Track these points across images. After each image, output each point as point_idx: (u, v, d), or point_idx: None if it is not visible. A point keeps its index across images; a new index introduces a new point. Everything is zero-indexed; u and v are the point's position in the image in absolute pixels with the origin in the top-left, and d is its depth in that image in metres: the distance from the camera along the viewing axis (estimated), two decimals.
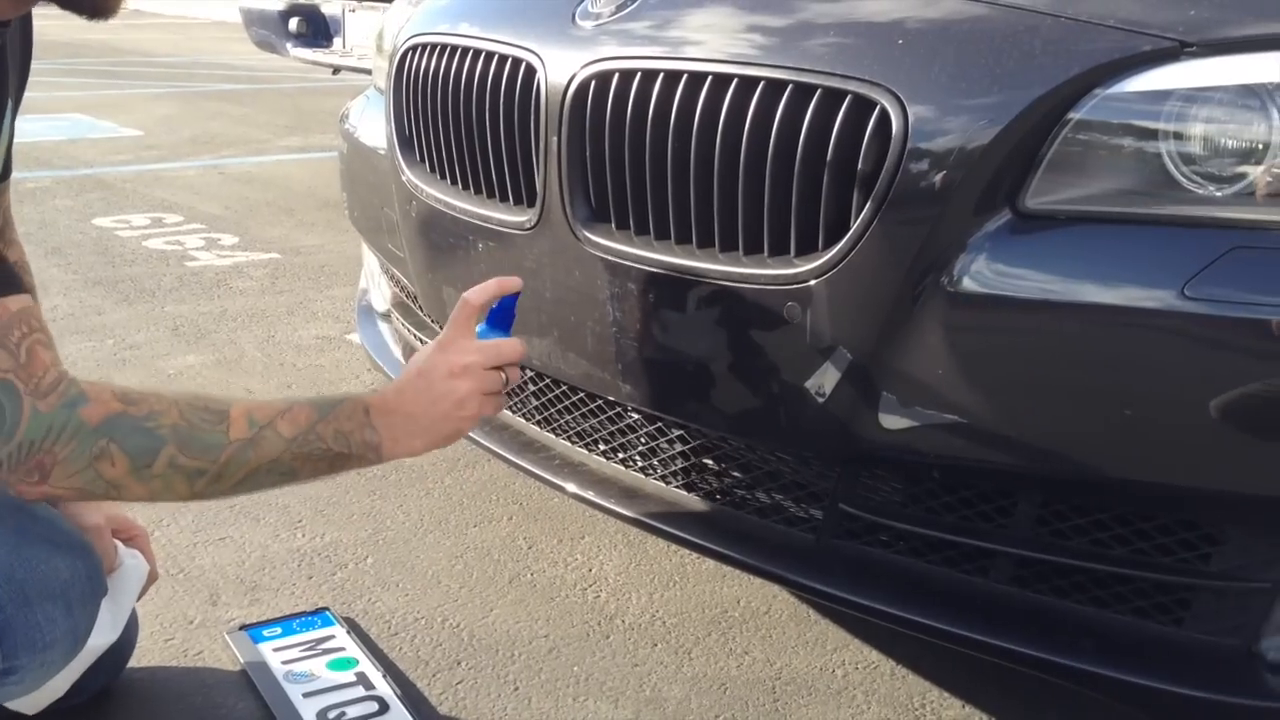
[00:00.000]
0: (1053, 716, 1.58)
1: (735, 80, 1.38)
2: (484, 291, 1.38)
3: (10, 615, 1.20)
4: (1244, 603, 1.24)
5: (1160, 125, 1.22)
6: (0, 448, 1.14)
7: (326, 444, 1.26)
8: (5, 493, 1.23)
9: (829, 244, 1.33)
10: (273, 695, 1.55)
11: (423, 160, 1.87)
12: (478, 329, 1.38)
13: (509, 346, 1.37)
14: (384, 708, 1.52)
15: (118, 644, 1.48)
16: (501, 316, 1.41)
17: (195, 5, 15.79)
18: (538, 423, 1.82)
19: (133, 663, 1.57)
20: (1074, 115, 1.23)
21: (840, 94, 1.31)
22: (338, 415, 1.27)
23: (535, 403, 1.81)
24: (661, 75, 1.44)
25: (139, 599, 1.52)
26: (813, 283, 1.33)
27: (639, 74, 1.46)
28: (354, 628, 1.72)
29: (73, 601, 1.27)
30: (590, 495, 1.67)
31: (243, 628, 1.70)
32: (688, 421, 1.57)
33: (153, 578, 1.55)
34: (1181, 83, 1.21)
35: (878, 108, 1.28)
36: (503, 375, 1.36)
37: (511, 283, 1.40)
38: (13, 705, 1.39)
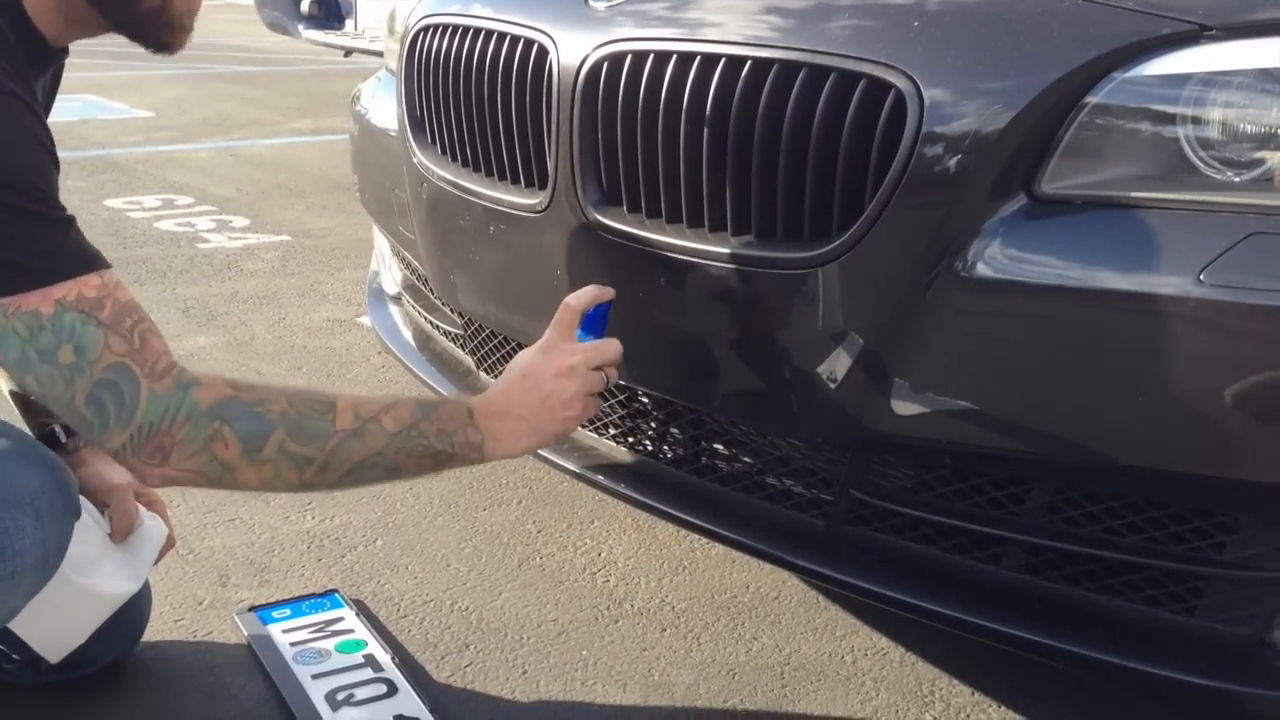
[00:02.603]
0: (1062, 704, 1.58)
1: (749, 62, 1.37)
2: (583, 297, 1.40)
3: None
4: (1257, 592, 1.23)
5: (1178, 109, 1.20)
6: (122, 430, 1.16)
7: (429, 441, 1.27)
8: None
9: (843, 228, 1.32)
10: (281, 676, 1.55)
11: (434, 142, 1.87)
12: (580, 333, 1.41)
13: (610, 347, 1.39)
14: (392, 690, 1.52)
15: (131, 614, 1.50)
16: (596, 321, 1.43)
17: None
18: None
19: (143, 642, 1.58)
20: (1091, 99, 1.21)
21: (855, 76, 1.30)
22: (440, 415, 1.29)
23: None
24: (675, 57, 1.43)
25: (156, 562, 1.55)
26: (826, 267, 1.32)
27: (652, 55, 1.45)
28: (363, 610, 1.72)
29: (43, 511, 1.25)
30: (600, 479, 1.66)
31: (252, 609, 1.70)
32: (698, 406, 1.57)
33: (170, 543, 1.58)
34: (1200, 66, 1.19)
35: (893, 91, 1.27)
36: (604, 375, 1.38)
37: (607, 291, 1.42)
38: (35, 647, 1.40)
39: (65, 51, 1.28)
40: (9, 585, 1.25)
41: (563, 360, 1.35)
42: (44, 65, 1.26)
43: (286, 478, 1.22)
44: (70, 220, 1.17)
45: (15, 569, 1.24)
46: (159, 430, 1.17)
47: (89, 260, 1.17)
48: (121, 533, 1.50)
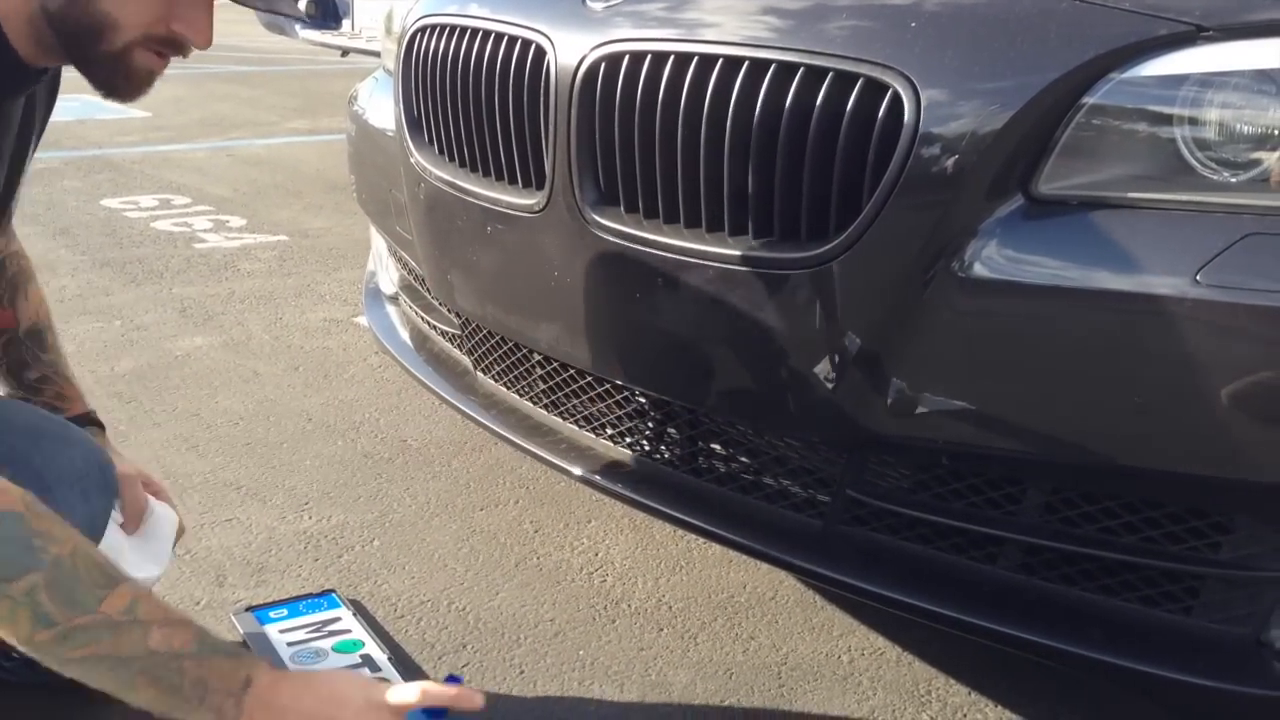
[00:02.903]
0: (1059, 703, 1.58)
1: (746, 63, 1.37)
2: (443, 693, 1.18)
3: None
4: (1253, 592, 1.23)
5: (1175, 110, 1.21)
6: None
7: (181, 682, 1.08)
8: (13, 403, 1.27)
9: (840, 228, 1.32)
10: None
11: (431, 142, 1.87)
12: (412, 712, 1.18)
13: None
14: None
15: None
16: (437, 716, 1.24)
17: None
18: (545, 406, 1.82)
19: None
20: (1088, 100, 1.21)
21: (852, 77, 1.30)
22: (213, 665, 1.09)
23: (542, 386, 1.81)
24: (672, 57, 1.43)
25: (173, 546, 1.56)
26: (823, 267, 1.32)
27: (649, 56, 1.45)
28: (360, 610, 1.72)
29: (89, 489, 1.30)
30: (597, 479, 1.67)
31: (249, 609, 1.70)
32: (695, 406, 1.57)
33: (182, 529, 1.59)
34: (1197, 67, 1.19)
35: (890, 91, 1.27)
36: None
37: (476, 700, 1.19)
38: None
39: (45, 71, 1.24)
40: None
41: (376, 708, 1.13)
42: (20, 85, 1.23)
43: (17, 625, 1.05)
44: None
45: None
46: None
47: None
48: (134, 520, 1.50)
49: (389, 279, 2.33)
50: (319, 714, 1.11)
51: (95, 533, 1.33)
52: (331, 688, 1.14)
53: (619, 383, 1.65)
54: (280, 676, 1.13)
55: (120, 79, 1.19)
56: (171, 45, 1.19)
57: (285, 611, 1.70)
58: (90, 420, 1.55)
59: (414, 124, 1.90)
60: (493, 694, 1.56)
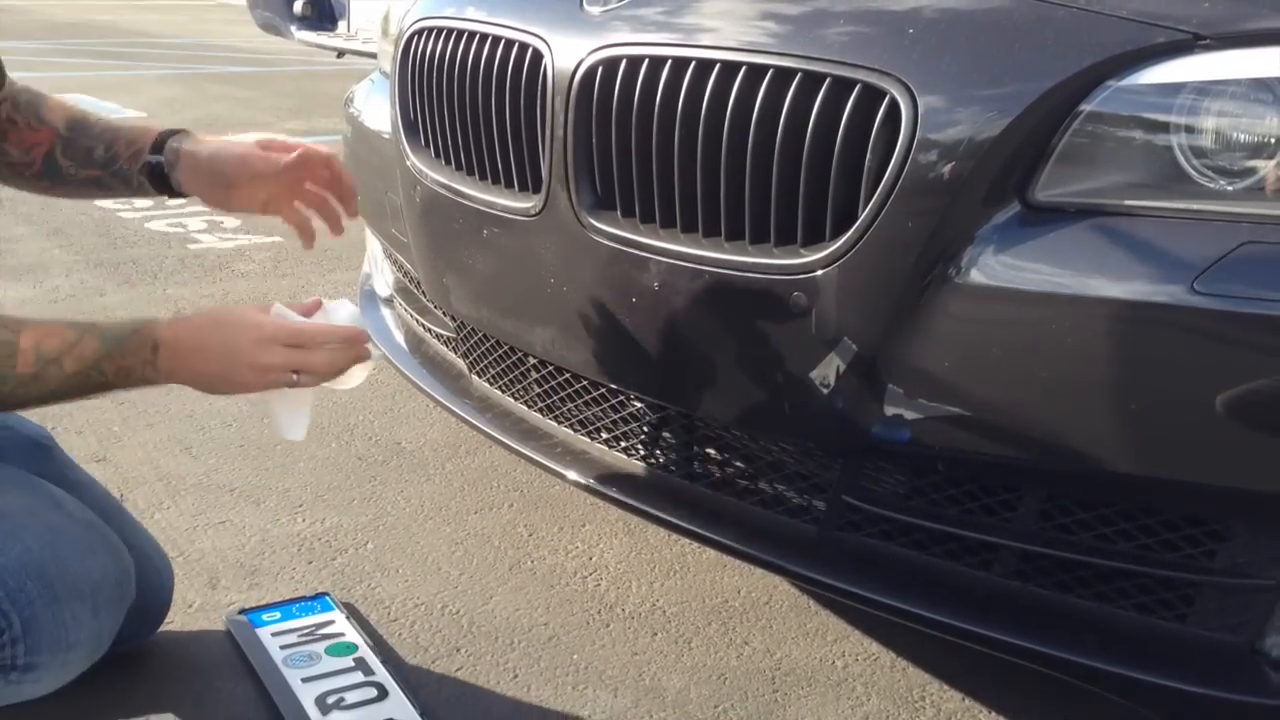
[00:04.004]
0: (1052, 710, 1.58)
1: (743, 68, 1.37)
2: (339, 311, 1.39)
3: (38, 611, 1.22)
4: (1248, 600, 1.23)
5: (1172, 118, 1.21)
6: None
7: (106, 378, 1.26)
8: (45, 489, 1.27)
9: (836, 234, 1.32)
10: (271, 680, 1.54)
11: (427, 145, 1.86)
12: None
13: (318, 332, 1.35)
14: (383, 693, 1.52)
15: (154, 600, 1.52)
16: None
17: None
18: (540, 410, 1.82)
19: (133, 645, 1.57)
20: (1086, 107, 1.22)
21: (849, 83, 1.30)
22: (125, 351, 1.26)
23: (538, 390, 1.81)
24: (669, 62, 1.43)
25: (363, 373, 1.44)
26: (819, 273, 1.32)
27: (646, 60, 1.45)
28: (353, 613, 1.72)
29: (100, 605, 1.29)
30: (592, 483, 1.66)
31: (242, 612, 1.69)
32: (691, 411, 1.57)
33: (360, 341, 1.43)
34: (1194, 75, 1.20)
35: (887, 97, 1.27)
36: (307, 355, 1.33)
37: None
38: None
39: None
40: (58, 675, 1.30)
41: (265, 328, 1.31)
42: None
43: None
44: None
45: (67, 660, 1.29)
46: None
47: None
48: (286, 160, 1.49)
49: (384, 281, 2.33)
50: (223, 346, 1.28)
51: (97, 649, 1.33)
52: (222, 332, 1.29)
53: (614, 387, 1.64)
54: (176, 326, 1.29)
55: None
56: None
57: (278, 614, 1.69)
58: (171, 133, 1.53)
59: (410, 126, 1.90)
60: (486, 698, 1.56)
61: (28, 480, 1.38)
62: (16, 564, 1.22)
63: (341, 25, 6.01)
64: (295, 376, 1.33)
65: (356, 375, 1.42)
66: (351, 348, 1.36)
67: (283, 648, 1.61)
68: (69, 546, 1.28)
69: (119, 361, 1.26)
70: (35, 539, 1.26)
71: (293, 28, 5.99)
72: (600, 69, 1.49)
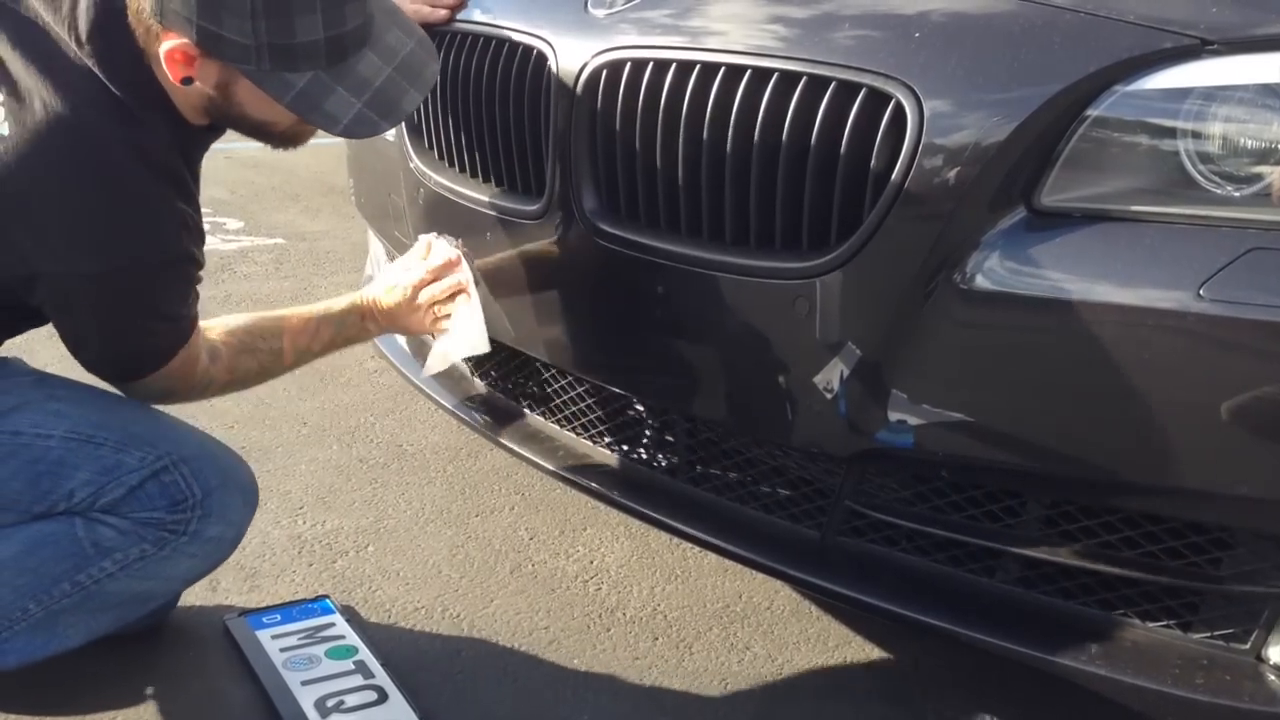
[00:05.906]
0: (1055, 717, 1.57)
1: (749, 72, 1.37)
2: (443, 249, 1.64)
3: (213, 489, 1.47)
4: (1253, 608, 1.23)
5: (1179, 123, 1.20)
6: None
7: (337, 346, 1.68)
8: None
9: (841, 238, 1.32)
10: (271, 682, 1.54)
11: (431, 147, 1.86)
12: None
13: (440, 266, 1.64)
14: (383, 697, 1.51)
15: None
16: None
17: None
18: (542, 413, 1.81)
19: (131, 648, 1.57)
20: (1092, 112, 1.21)
21: (855, 87, 1.30)
22: (347, 325, 1.67)
23: (540, 393, 1.80)
24: (674, 65, 1.43)
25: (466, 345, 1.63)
26: (824, 277, 1.32)
27: (651, 64, 1.45)
28: (353, 616, 1.71)
29: (248, 500, 1.54)
30: (594, 486, 1.66)
31: (242, 614, 1.69)
32: (694, 415, 1.56)
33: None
34: (1202, 81, 1.19)
35: (893, 101, 1.27)
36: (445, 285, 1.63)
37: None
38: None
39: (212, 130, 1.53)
40: (212, 551, 1.51)
41: (417, 277, 1.63)
42: (206, 144, 1.55)
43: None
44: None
45: (222, 539, 1.51)
46: None
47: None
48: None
49: None
50: (404, 308, 1.65)
51: (238, 537, 1.54)
52: (400, 293, 1.65)
53: (617, 390, 1.64)
54: (378, 299, 1.66)
55: (285, 145, 1.60)
56: None
57: (278, 617, 1.69)
58: None
59: (414, 128, 1.90)
60: (486, 702, 1.55)
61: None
62: (197, 450, 1.48)
63: None
64: (436, 310, 1.63)
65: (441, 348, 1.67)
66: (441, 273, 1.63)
67: (283, 650, 1.60)
68: (226, 451, 1.53)
69: (346, 334, 1.67)
70: (202, 437, 1.52)
71: None
72: (605, 72, 1.49)
